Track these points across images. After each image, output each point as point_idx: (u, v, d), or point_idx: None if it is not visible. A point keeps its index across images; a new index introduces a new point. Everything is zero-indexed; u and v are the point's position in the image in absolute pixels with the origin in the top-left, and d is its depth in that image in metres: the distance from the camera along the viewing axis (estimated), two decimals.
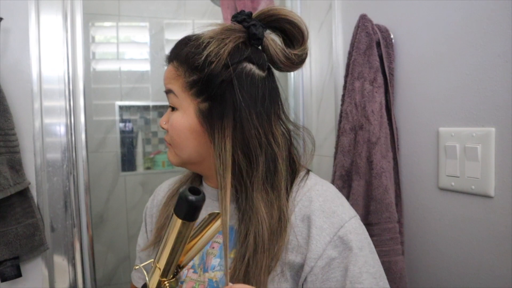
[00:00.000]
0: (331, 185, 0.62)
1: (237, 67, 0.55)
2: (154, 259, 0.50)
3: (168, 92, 0.59)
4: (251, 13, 0.58)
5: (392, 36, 0.88)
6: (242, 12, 0.58)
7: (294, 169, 0.62)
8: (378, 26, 0.88)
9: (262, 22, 0.58)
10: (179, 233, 0.46)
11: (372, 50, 0.86)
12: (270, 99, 0.59)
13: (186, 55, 0.57)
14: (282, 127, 0.62)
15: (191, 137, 0.58)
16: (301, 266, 0.55)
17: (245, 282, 0.52)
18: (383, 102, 0.86)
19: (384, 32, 0.87)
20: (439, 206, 0.79)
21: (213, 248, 0.61)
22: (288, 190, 0.59)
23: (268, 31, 0.59)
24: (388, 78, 0.86)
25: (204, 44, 0.54)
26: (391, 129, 0.87)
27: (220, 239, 0.61)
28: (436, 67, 0.78)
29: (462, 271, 0.75)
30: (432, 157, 0.80)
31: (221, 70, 0.54)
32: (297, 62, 0.59)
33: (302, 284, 0.55)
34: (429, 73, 0.80)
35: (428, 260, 0.82)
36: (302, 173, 0.62)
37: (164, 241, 0.48)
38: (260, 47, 0.59)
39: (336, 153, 0.92)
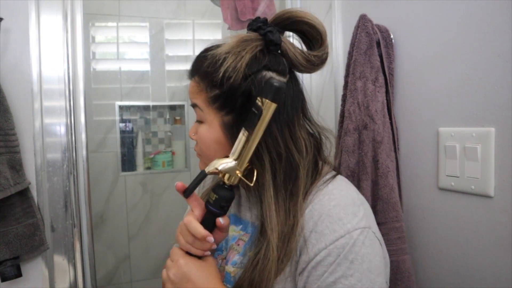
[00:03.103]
0: (354, 192, 0.60)
1: (255, 77, 0.55)
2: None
3: (193, 106, 0.61)
4: (266, 20, 0.58)
5: (392, 36, 0.88)
6: (257, 19, 0.58)
7: (317, 171, 0.61)
8: (378, 26, 0.88)
9: (278, 26, 0.58)
10: (268, 117, 0.52)
11: (372, 50, 0.86)
12: (293, 104, 0.59)
13: (205, 71, 0.58)
14: (309, 129, 0.62)
15: (218, 148, 0.59)
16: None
17: (252, 281, 0.54)
18: (385, 101, 0.86)
19: (384, 32, 0.87)
20: (439, 206, 0.79)
21: (238, 245, 0.63)
22: (308, 192, 0.58)
23: (286, 34, 0.59)
24: (388, 78, 0.86)
25: (220, 61, 0.55)
26: (392, 129, 0.87)
27: (246, 237, 0.63)
28: (436, 67, 0.78)
29: (462, 271, 0.75)
30: (432, 157, 0.80)
31: (240, 82, 0.55)
32: (317, 64, 0.59)
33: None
34: (429, 73, 0.80)
35: (428, 260, 0.82)
36: (327, 176, 0.60)
37: (255, 131, 0.53)
38: (279, 52, 0.58)
39: (337, 153, 0.92)
